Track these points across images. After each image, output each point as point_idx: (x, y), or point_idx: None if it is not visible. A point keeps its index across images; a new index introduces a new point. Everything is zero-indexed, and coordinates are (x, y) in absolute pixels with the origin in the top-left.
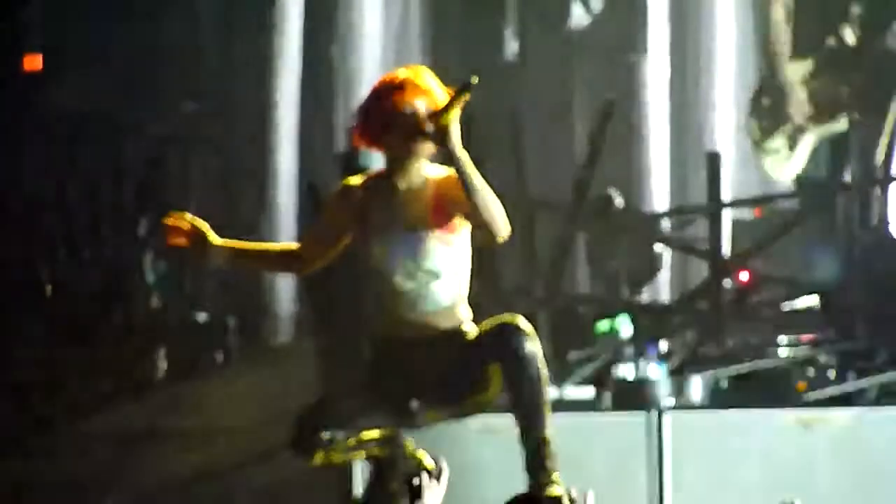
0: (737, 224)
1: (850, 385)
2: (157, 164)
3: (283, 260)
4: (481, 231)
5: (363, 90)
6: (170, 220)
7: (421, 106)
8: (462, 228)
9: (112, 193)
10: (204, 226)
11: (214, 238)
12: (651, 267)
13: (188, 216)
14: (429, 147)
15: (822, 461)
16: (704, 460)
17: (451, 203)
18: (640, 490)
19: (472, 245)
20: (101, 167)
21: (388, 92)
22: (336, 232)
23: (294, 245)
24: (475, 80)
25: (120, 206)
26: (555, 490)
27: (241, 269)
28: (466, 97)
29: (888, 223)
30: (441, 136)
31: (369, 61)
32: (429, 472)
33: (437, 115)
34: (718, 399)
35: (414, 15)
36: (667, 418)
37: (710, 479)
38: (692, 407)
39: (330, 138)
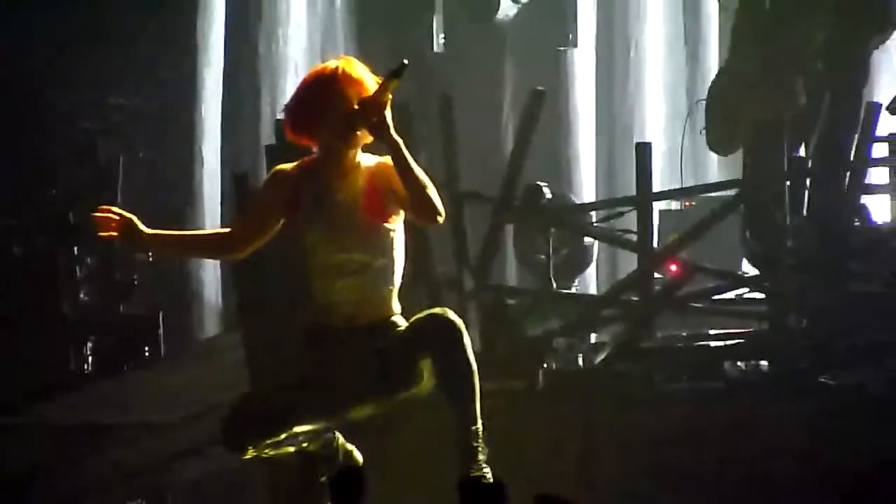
0: (666, 215)
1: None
2: (86, 156)
3: (214, 245)
4: (417, 214)
5: (289, 80)
6: (98, 214)
7: (353, 95)
8: (395, 218)
9: (41, 186)
10: (132, 217)
11: (143, 228)
12: (581, 259)
13: (115, 209)
14: (362, 135)
15: None
16: None
17: (384, 191)
18: None
19: (406, 233)
20: (29, 159)
21: (320, 83)
22: (267, 218)
23: (225, 230)
24: (406, 63)
25: (50, 199)
26: (486, 477)
27: (172, 257)
28: (398, 82)
29: (820, 212)
30: (374, 122)
31: (295, 51)
32: (354, 467)
33: (370, 101)
34: None
35: (340, 4)
36: None
37: None
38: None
39: (256, 129)
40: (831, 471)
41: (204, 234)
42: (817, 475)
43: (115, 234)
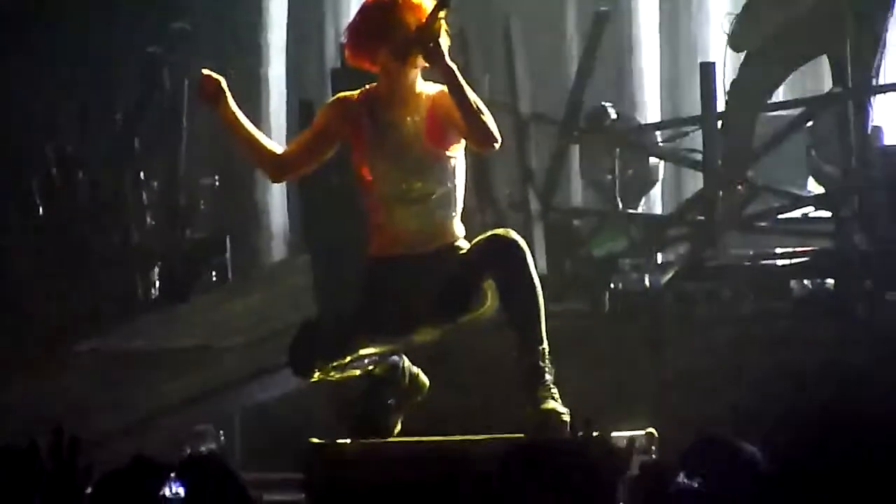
0: None
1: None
2: (151, 81)
3: (266, 156)
4: (472, 140)
5: (353, 4)
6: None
7: (411, 20)
8: (456, 146)
9: (104, 114)
10: (223, 82)
11: (229, 99)
12: (646, 179)
13: (214, 75)
14: (420, 61)
15: None
16: None
17: (445, 119)
18: None
19: (467, 158)
20: (91, 88)
21: (379, 7)
22: (324, 142)
23: (278, 151)
24: None
25: (112, 126)
26: (551, 404)
27: (232, 134)
28: (447, 8)
29: (881, 132)
30: (428, 49)
31: None
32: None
33: (423, 28)
34: None
35: None
36: None
37: None
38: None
39: (320, 55)
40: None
41: (262, 144)
42: (881, 392)
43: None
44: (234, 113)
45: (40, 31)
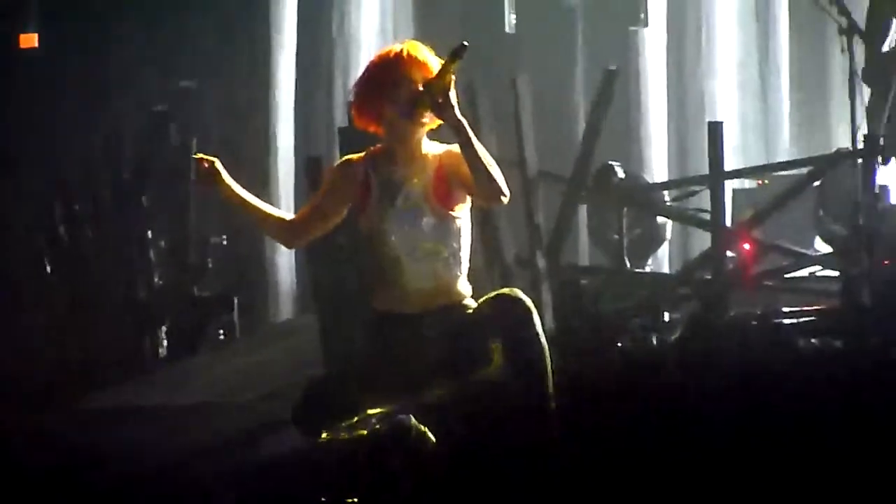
0: (739, 194)
1: None
2: (159, 139)
3: (277, 225)
4: (482, 194)
5: (362, 63)
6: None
7: (418, 77)
8: (463, 206)
9: (112, 171)
10: (215, 163)
11: (224, 176)
12: (654, 238)
13: (206, 157)
14: (428, 118)
15: None
16: None
17: (452, 177)
18: None
19: (473, 215)
20: (100, 145)
21: (384, 65)
22: (333, 206)
23: (289, 218)
24: (466, 45)
25: (120, 184)
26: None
27: (238, 212)
28: (458, 62)
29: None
30: (439, 103)
31: (368, 34)
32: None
33: (434, 83)
34: None
35: None
36: None
37: None
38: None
39: (329, 111)
40: None
41: (269, 215)
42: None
43: (203, 171)
44: (233, 190)
45: (47, 86)
